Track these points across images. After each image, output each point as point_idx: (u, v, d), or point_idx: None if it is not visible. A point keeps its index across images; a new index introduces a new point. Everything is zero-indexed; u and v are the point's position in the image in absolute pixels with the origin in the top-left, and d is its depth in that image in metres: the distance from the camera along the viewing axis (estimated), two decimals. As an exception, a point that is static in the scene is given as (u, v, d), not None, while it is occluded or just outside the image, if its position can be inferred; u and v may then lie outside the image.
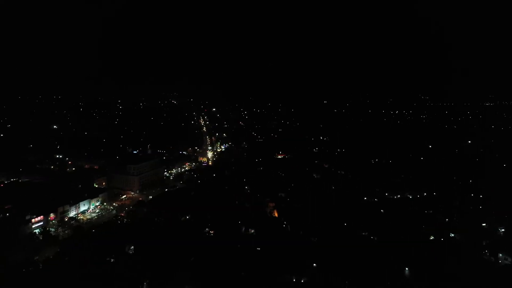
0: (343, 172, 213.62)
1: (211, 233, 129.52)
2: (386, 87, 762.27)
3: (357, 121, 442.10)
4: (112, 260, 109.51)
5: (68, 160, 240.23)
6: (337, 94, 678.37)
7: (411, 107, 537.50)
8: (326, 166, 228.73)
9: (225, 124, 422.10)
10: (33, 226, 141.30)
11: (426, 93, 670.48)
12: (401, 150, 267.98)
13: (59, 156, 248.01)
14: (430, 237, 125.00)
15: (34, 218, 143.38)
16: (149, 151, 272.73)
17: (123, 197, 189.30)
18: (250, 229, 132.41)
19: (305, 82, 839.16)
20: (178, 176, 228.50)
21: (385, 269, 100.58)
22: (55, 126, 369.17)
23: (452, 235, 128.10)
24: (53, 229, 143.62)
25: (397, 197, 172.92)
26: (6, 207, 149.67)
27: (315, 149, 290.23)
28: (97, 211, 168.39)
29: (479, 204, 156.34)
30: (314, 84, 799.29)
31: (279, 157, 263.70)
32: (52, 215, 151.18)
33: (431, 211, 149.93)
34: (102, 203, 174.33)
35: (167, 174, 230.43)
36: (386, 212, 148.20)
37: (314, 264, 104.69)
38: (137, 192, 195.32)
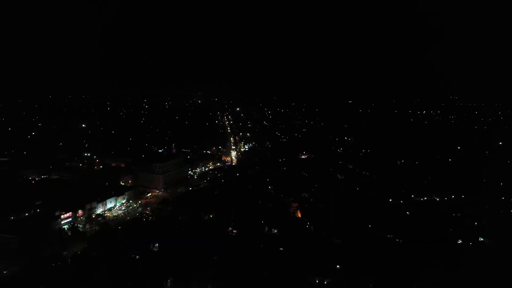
0: (367, 173, 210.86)
1: (234, 233, 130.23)
2: (414, 86, 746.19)
3: (383, 121, 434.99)
4: (137, 257, 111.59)
5: (96, 158, 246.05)
6: (362, 93, 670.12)
7: (439, 107, 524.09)
8: (351, 166, 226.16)
9: (249, 124, 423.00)
10: (62, 222, 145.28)
11: (455, 93, 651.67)
12: (429, 151, 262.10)
13: (87, 154, 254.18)
14: (458, 240, 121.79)
15: (63, 214, 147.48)
16: (174, 150, 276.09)
17: (148, 195, 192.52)
18: (273, 229, 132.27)
19: (330, 82, 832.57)
20: (202, 175, 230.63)
21: (409, 272, 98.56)
22: (83, 125, 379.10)
23: (481, 239, 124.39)
24: (81, 226, 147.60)
25: (423, 199, 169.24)
26: (37, 203, 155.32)
27: (340, 149, 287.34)
28: (123, 208, 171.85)
29: (510, 207, 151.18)
30: (339, 84, 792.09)
31: (303, 157, 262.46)
32: (80, 212, 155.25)
33: (459, 214, 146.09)
34: (128, 200, 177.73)
35: (191, 173, 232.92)
36: (412, 214, 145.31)
37: (338, 266, 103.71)
38: (162, 190, 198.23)
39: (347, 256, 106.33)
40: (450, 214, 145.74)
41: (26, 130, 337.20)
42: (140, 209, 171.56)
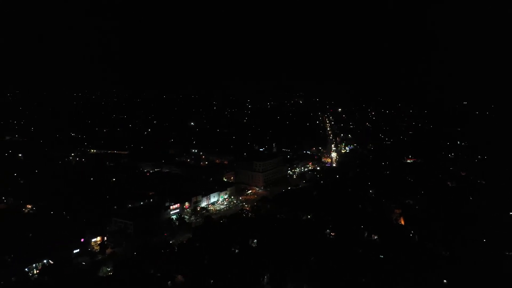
0: (483, 182, 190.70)
1: (332, 235, 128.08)
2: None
3: (504, 125, 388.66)
4: (236, 251, 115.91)
5: (202, 155, 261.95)
6: (480, 94, 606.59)
7: None
8: (463, 174, 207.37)
9: (351, 125, 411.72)
10: (171, 213, 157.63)
11: None
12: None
13: (194, 151, 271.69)
14: None
15: (172, 205, 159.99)
16: (274, 149, 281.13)
17: (248, 192, 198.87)
18: (373, 235, 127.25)
19: (442, 81, 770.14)
20: (301, 175, 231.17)
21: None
22: (192, 123, 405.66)
23: None
24: (187, 217, 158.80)
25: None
26: (150, 194, 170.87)
27: (451, 154, 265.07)
28: (225, 203, 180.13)
29: None
30: (452, 83, 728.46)
31: (409, 161, 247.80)
32: (187, 204, 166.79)
33: None
34: (229, 196, 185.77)
35: (290, 173, 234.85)
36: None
37: (445, 281, 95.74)
38: (261, 188, 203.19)
39: (456, 272, 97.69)
40: None
41: (144, 127, 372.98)
42: (240, 205, 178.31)
